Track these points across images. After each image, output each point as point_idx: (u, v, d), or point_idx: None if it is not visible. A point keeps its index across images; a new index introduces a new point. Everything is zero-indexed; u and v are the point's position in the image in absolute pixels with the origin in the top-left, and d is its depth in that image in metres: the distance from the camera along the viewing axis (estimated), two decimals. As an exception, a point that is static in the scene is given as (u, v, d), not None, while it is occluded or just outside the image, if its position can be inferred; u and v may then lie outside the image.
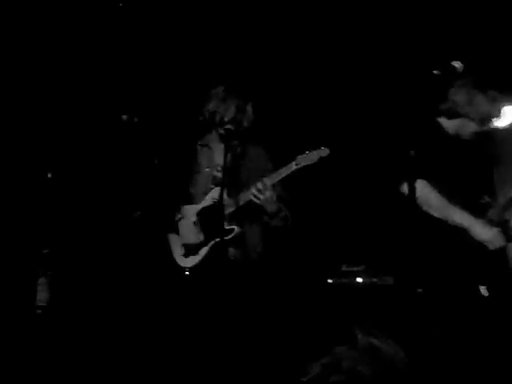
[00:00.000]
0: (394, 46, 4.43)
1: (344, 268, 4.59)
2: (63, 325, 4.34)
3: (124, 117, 4.26)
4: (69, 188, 4.59)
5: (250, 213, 3.80)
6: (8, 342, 4.15)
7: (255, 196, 3.66)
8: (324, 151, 3.60)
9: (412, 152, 3.21)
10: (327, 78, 4.62)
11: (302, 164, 3.61)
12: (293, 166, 3.61)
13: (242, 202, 3.72)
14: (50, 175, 4.45)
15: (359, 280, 4.56)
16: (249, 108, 3.87)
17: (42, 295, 4.31)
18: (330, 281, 4.55)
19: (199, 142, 4.00)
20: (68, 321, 4.37)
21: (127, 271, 4.46)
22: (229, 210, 3.71)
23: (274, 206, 3.73)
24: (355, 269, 4.58)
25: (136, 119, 4.24)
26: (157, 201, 3.98)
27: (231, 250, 3.77)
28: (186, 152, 3.97)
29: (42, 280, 4.33)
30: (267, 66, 4.62)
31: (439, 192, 3.56)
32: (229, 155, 3.73)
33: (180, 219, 3.86)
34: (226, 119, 3.82)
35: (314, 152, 3.59)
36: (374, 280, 4.51)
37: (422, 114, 3.72)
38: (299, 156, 3.62)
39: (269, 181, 3.66)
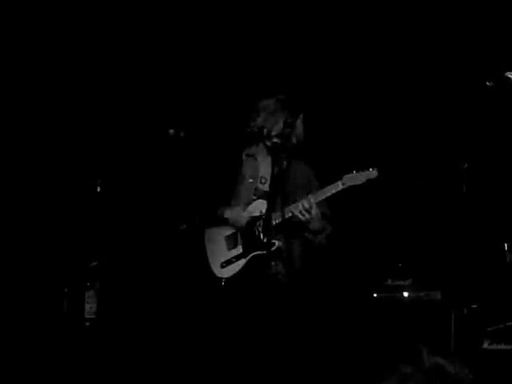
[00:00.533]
0: (446, 60, 4.42)
1: (389, 282, 4.49)
2: (111, 336, 4.41)
3: (171, 131, 4.26)
4: (117, 201, 4.67)
5: (292, 228, 3.77)
6: (58, 354, 4.23)
7: (300, 212, 3.60)
8: (372, 173, 3.55)
9: (465, 165, 3.17)
10: (375, 96, 4.65)
11: (348, 184, 3.57)
12: (339, 186, 3.57)
13: (286, 216, 3.66)
14: (98, 189, 4.48)
15: (406, 294, 4.46)
16: (299, 123, 3.83)
17: (91, 307, 4.33)
18: (375, 295, 4.48)
19: (245, 153, 3.95)
20: (116, 332, 4.45)
21: (168, 281, 4.50)
22: (272, 223, 3.66)
23: (318, 223, 3.69)
24: (401, 283, 4.48)
25: (182, 133, 4.22)
26: (199, 210, 3.96)
27: (272, 264, 3.71)
28: (232, 162, 3.94)
29: (90, 293, 4.36)
30: (321, 82, 4.65)
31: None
32: (276, 168, 3.70)
33: (223, 213, 3.81)
34: (273, 133, 3.77)
35: (362, 173, 3.54)
36: (421, 295, 4.41)
37: (477, 128, 3.73)
38: (346, 175, 3.58)
39: (314, 198, 3.62)
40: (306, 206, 3.57)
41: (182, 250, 4.26)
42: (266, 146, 3.79)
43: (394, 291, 4.46)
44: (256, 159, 3.89)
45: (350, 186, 3.55)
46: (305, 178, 3.88)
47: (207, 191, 3.94)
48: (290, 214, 3.63)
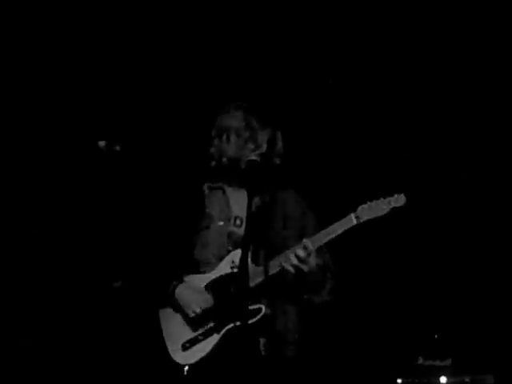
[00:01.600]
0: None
1: (421, 361, 3.87)
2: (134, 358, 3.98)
3: (101, 143, 3.52)
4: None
5: (283, 286, 3.11)
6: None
7: (293, 266, 2.98)
8: (399, 199, 2.95)
9: None
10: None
11: (366, 218, 2.95)
12: (352, 221, 2.95)
13: (273, 271, 3.03)
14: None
15: (443, 380, 3.83)
16: (278, 138, 3.26)
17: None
18: (399, 381, 3.87)
19: (207, 184, 3.32)
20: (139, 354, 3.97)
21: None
22: (255, 281, 3.02)
23: (319, 276, 3.08)
24: (438, 363, 3.88)
25: (117, 147, 3.55)
26: (148, 268, 3.27)
27: (263, 343, 3.05)
28: (190, 198, 3.30)
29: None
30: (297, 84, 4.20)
31: None
32: (254, 202, 3.03)
33: (177, 285, 3.15)
34: (245, 158, 3.16)
35: (384, 200, 2.95)
36: (466, 380, 3.81)
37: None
38: (362, 206, 2.97)
39: (312, 243, 2.99)
40: (302, 255, 2.97)
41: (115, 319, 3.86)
42: (237, 174, 3.19)
43: (427, 374, 3.90)
44: (225, 192, 3.27)
45: (368, 221, 2.95)
46: (297, 212, 3.25)
47: (155, 236, 3.28)
48: (278, 269, 3.03)
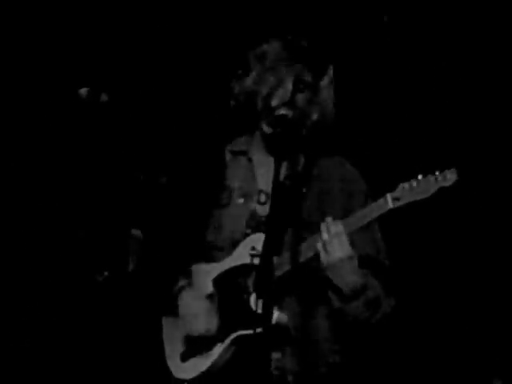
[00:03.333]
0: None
1: None
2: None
3: (83, 91, 2.97)
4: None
5: (313, 284, 2.58)
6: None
7: (323, 246, 2.47)
8: (449, 176, 2.45)
9: None
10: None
11: (405, 201, 2.46)
12: (388, 204, 2.47)
13: (304, 257, 2.50)
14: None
15: None
16: (325, 86, 2.70)
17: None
18: None
19: (228, 148, 2.82)
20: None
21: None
22: (278, 271, 2.51)
23: (351, 277, 2.50)
24: None
25: (104, 97, 2.96)
26: (148, 257, 2.93)
27: (277, 358, 2.58)
28: (204, 165, 2.83)
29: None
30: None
31: None
32: (283, 171, 2.55)
33: (183, 288, 2.73)
34: (275, 102, 2.60)
35: (430, 178, 2.46)
36: None
37: None
38: (402, 185, 2.47)
39: (342, 226, 2.48)
40: (325, 237, 2.45)
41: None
42: (264, 132, 2.65)
43: None
44: (250, 160, 2.77)
45: (409, 204, 2.46)
46: (339, 187, 2.72)
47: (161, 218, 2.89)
48: (310, 255, 2.49)
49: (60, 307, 3.63)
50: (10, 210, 3.62)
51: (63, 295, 3.61)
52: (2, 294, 3.61)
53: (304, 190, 2.70)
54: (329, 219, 2.48)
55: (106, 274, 3.16)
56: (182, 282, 2.74)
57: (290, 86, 2.59)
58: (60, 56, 3.57)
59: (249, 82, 2.66)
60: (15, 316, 3.62)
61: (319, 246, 2.47)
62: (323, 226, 2.48)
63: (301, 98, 2.61)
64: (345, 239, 2.45)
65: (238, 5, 3.69)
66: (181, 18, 3.75)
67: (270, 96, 2.60)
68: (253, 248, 2.59)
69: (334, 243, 2.45)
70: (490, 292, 3.61)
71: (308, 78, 2.62)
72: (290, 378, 2.60)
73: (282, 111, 2.55)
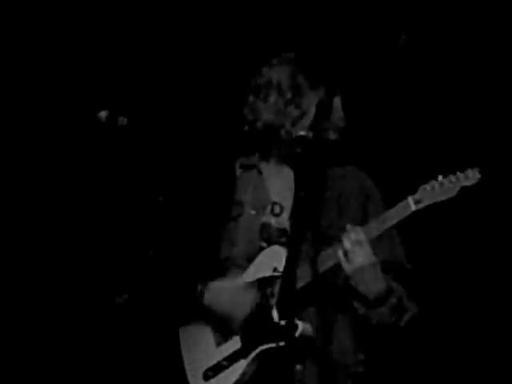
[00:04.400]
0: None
1: None
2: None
3: (102, 114, 2.79)
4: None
5: (335, 294, 2.58)
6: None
7: (345, 254, 2.45)
8: (471, 175, 2.44)
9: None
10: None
11: (428, 202, 2.45)
12: (410, 207, 2.45)
13: (325, 267, 2.49)
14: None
15: None
16: (337, 105, 2.69)
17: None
18: None
19: (238, 162, 2.82)
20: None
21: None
22: (299, 283, 2.45)
23: (375, 284, 2.48)
24: None
25: (123, 120, 2.85)
26: (163, 276, 2.78)
27: (299, 369, 2.53)
28: (216, 180, 2.81)
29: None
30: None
31: None
32: (303, 186, 2.48)
33: (203, 291, 2.67)
34: (298, 131, 2.59)
35: (452, 178, 2.45)
36: None
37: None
38: (423, 187, 2.47)
39: (363, 234, 2.46)
40: (348, 246, 2.44)
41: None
42: (280, 148, 2.68)
43: None
44: (261, 172, 2.76)
45: (431, 206, 2.45)
46: (357, 196, 2.73)
47: (170, 231, 2.81)
48: (330, 265, 2.49)
49: (79, 328, 3.62)
50: (29, 232, 3.63)
51: (82, 316, 3.60)
52: (18, 317, 3.60)
53: (321, 202, 2.68)
54: (349, 226, 2.46)
55: (125, 296, 3.13)
56: (200, 287, 2.67)
57: (312, 114, 2.59)
58: (78, 79, 3.57)
59: (268, 113, 2.65)
60: (33, 338, 3.63)
61: (340, 254, 2.45)
62: (345, 235, 2.47)
63: (319, 120, 2.58)
64: (367, 246, 2.43)
65: (248, 27, 3.68)
66: (195, 45, 3.74)
67: (293, 127, 2.61)
68: (275, 269, 2.58)
69: (356, 251, 2.44)
70: (505, 294, 3.53)
71: (323, 101, 2.62)
72: None
73: (302, 132, 2.53)
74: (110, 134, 2.96)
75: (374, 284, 2.45)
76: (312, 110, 2.59)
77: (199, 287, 2.65)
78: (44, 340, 3.67)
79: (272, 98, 2.63)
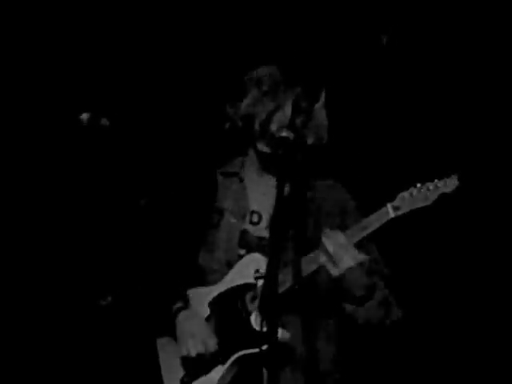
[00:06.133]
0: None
1: None
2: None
3: (84, 116, 2.93)
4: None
5: (317, 295, 2.59)
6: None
7: (330, 259, 2.45)
8: (449, 183, 2.48)
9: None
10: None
11: (406, 209, 2.48)
12: (389, 213, 2.48)
13: (307, 271, 2.49)
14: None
15: None
16: (319, 109, 2.71)
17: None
18: None
19: (220, 170, 2.82)
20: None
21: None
22: (281, 288, 2.43)
23: (364, 279, 2.49)
24: None
25: (105, 121, 2.96)
26: (144, 280, 2.75)
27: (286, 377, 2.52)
28: (196, 189, 2.78)
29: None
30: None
31: None
32: (285, 192, 2.47)
33: (180, 310, 2.65)
34: (275, 126, 2.61)
35: (430, 185, 2.48)
36: None
37: None
38: (401, 194, 2.49)
39: (346, 238, 2.47)
40: (331, 249, 2.44)
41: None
42: (260, 155, 2.67)
43: None
44: (242, 180, 2.76)
45: (410, 212, 2.47)
46: (336, 206, 2.74)
47: (151, 238, 2.78)
48: (312, 269, 2.50)
49: (63, 331, 3.57)
50: (13, 231, 3.57)
51: (67, 319, 3.55)
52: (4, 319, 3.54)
53: (302, 210, 2.66)
54: (327, 230, 2.46)
55: (109, 298, 3.15)
56: (178, 304, 2.67)
57: (289, 110, 2.59)
58: (61, 79, 3.52)
59: (245, 105, 2.66)
60: (19, 341, 3.56)
61: (323, 259, 2.46)
62: (324, 239, 2.47)
63: (298, 121, 2.60)
64: (351, 248, 2.43)
65: (233, 28, 3.64)
66: (178, 46, 3.71)
67: (268, 120, 2.60)
68: (257, 270, 2.56)
69: (341, 254, 2.44)
70: (490, 296, 3.51)
71: (304, 102, 2.64)
72: None
73: (284, 133, 2.52)
74: (91, 136, 2.97)
75: (361, 280, 2.45)
76: (288, 106, 2.59)
77: (177, 305, 2.63)
78: (27, 338, 3.58)
79: (251, 93, 2.65)
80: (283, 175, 2.44)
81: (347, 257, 2.42)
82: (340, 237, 2.44)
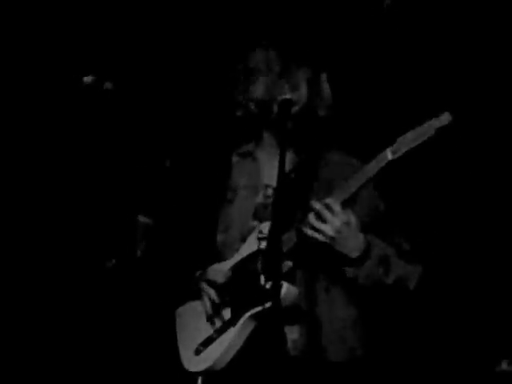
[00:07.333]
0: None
1: (505, 367, 3.34)
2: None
3: (87, 78, 2.80)
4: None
5: (322, 259, 2.55)
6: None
7: (314, 228, 2.48)
8: (443, 118, 2.49)
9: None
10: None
11: (404, 150, 2.49)
12: (387, 156, 2.49)
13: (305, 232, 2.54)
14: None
15: None
16: (323, 81, 2.75)
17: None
18: None
19: (236, 151, 2.86)
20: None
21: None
22: (285, 247, 2.51)
23: (355, 241, 2.52)
24: None
25: (108, 85, 2.85)
26: (159, 256, 2.85)
27: (293, 339, 2.54)
28: (212, 169, 2.86)
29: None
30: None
31: None
32: (290, 159, 2.63)
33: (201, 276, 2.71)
34: (297, 107, 2.66)
35: (425, 125, 2.50)
36: None
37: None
38: (400, 138, 2.50)
39: (330, 199, 2.50)
40: (319, 208, 2.48)
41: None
42: (275, 132, 2.69)
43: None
44: (255, 158, 2.81)
45: (408, 153, 2.48)
46: (344, 174, 2.68)
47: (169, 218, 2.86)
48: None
49: (69, 295, 3.60)
50: (19, 197, 3.59)
51: (72, 282, 3.58)
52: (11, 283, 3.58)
53: (311, 181, 2.71)
54: (313, 202, 2.49)
55: (113, 261, 3.17)
56: (198, 273, 2.72)
57: (304, 90, 2.63)
58: (64, 45, 3.49)
59: (260, 91, 2.66)
60: (23, 304, 3.59)
61: (311, 219, 2.48)
62: (312, 203, 2.50)
63: (309, 94, 2.64)
64: (339, 208, 2.45)
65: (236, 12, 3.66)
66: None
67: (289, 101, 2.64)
68: (260, 232, 2.59)
69: (334, 213, 2.47)
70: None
71: (313, 78, 2.66)
72: (296, 354, 2.54)
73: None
74: (95, 99, 2.94)
75: (353, 241, 2.48)
76: (303, 86, 2.62)
77: (197, 273, 2.68)
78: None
79: (262, 77, 2.65)
80: (286, 140, 2.48)
81: (339, 216, 2.45)
82: (328, 200, 2.46)
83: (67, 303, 3.65)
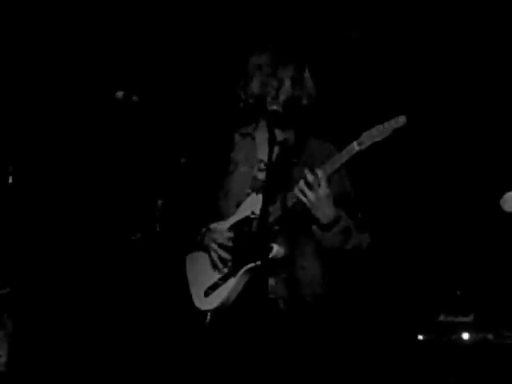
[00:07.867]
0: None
1: (443, 318, 3.70)
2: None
3: (119, 94, 3.21)
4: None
5: (300, 226, 2.95)
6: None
7: (302, 192, 2.86)
8: (399, 120, 2.85)
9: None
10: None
11: (368, 143, 2.86)
12: (354, 148, 2.86)
13: (290, 204, 2.91)
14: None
15: (466, 337, 3.64)
16: (306, 77, 3.11)
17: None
18: (420, 337, 3.68)
19: (239, 131, 3.20)
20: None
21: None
22: (272, 217, 2.90)
23: (328, 210, 2.90)
24: (460, 320, 3.70)
25: (135, 98, 3.22)
26: (173, 217, 3.21)
27: (272, 284, 2.91)
28: (218, 147, 3.18)
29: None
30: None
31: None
32: (279, 146, 3.01)
33: (206, 232, 3.06)
34: (283, 98, 3.03)
35: (385, 124, 2.86)
36: (489, 337, 3.61)
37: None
38: (365, 132, 2.88)
39: (322, 171, 2.88)
40: (310, 179, 2.86)
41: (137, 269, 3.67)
42: (272, 115, 3.04)
43: (449, 331, 3.70)
44: (254, 138, 3.17)
45: (371, 146, 2.84)
46: (324, 156, 3.07)
47: (178, 202, 3.20)
48: (294, 201, 2.93)
49: (98, 264, 3.99)
50: (50, 181, 3.97)
51: (103, 253, 3.96)
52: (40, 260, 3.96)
53: (295, 160, 3.06)
54: (316, 169, 2.86)
55: (138, 234, 3.51)
56: (204, 229, 3.07)
57: (289, 83, 3.01)
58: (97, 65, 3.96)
59: (255, 88, 3.05)
60: (53, 277, 3.98)
61: (303, 187, 2.85)
62: (310, 174, 2.85)
63: (296, 91, 3.02)
64: (324, 183, 2.84)
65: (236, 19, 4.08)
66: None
67: (277, 94, 3.02)
68: (252, 213, 2.97)
69: (320, 184, 2.84)
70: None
71: (297, 74, 3.04)
72: (281, 303, 2.94)
73: (274, 107, 2.97)
74: (125, 110, 3.31)
75: (327, 210, 2.87)
76: (287, 81, 3.00)
77: (203, 230, 3.05)
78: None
79: (256, 77, 3.04)
80: (273, 141, 2.91)
81: (324, 189, 2.84)
82: (320, 171, 2.84)
83: (102, 268, 3.97)
